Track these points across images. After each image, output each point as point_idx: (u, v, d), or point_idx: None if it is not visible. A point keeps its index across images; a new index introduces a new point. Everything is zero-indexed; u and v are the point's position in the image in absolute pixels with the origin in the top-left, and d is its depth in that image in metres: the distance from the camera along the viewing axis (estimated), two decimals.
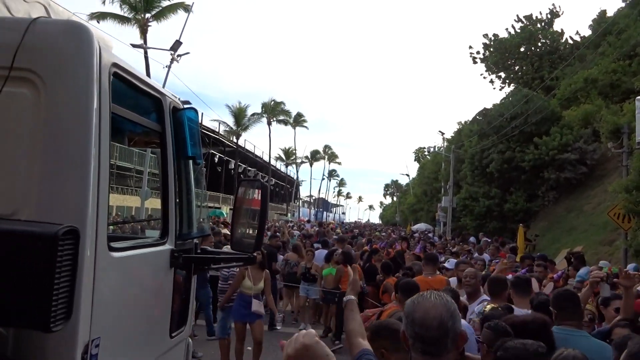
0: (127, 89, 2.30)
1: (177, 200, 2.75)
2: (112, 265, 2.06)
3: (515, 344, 2.22)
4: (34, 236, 1.61)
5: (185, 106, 2.92)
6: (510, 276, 5.76)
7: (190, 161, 2.89)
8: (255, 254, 7.67)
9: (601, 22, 29.70)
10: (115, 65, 2.10)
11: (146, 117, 2.57)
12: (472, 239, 22.13)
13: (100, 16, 24.86)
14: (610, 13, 30.99)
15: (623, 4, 29.70)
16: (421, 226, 36.31)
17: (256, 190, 2.88)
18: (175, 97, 2.82)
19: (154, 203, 15.35)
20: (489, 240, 19.26)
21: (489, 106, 30.37)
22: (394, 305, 5.14)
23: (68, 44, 1.91)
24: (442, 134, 38.20)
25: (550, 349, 2.38)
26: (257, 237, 2.77)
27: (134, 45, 21.49)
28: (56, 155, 1.86)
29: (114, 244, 2.12)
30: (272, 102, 53.00)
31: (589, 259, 11.44)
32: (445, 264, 8.31)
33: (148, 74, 23.47)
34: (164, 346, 2.68)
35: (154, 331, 2.57)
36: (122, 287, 2.19)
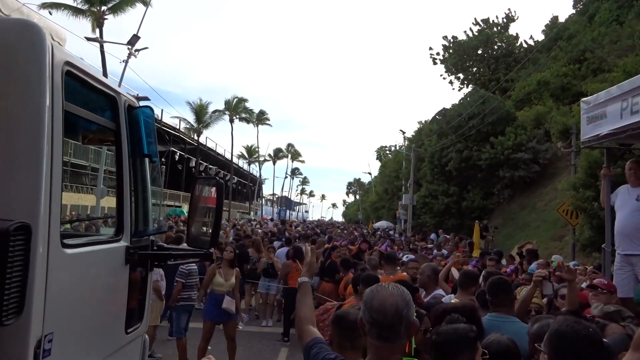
0: (81, 87, 2.31)
1: (133, 197, 2.77)
2: (65, 262, 2.08)
3: (448, 328, 2.37)
4: None
5: (141, 104, 2.94)
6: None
7: (146, 159, 2.92)
8: (230, 252, 7.66)
9: (553, 27, 30.96)
10: (68, 63, 2.11)
11: (101, 115, 2.58)
12: (432, 235, 22.61)
13: (52, 6, 23.89)
14: (562, 19, 32.39)
15: (573, 11, 31.11)
16: (383, 224, 36.77)
17: (212, 188, 2.92)
18: (131, 96, 2.84)
19: (111, 202, 14.96)
20: (448, 236, 19.81)
21: (449, 106, 31.17)
22: (353, 299, 5.28)
23: (19, 43, 1.92)
24: (403, 133, 38.96)
25: (478, 332, 2.56)
26: (212, 233, 2.82)
27: (88, 39, 20.72)
28: (8, 152, 1.87)
29: (68, 241, 2.14)
30: (235, 99, 52.48)
31: (540, 254, 11.92)
32: (404, 258, 8.50)
33: (104, 69, 22.81)
34: (120, 341, 2.71)
35: (109, 326, 2.59)
36: (75, 283, 2.21)
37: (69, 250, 2.10)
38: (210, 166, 49.24)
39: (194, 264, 7.43)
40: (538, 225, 18.65)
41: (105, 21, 24.91)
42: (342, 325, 2.49)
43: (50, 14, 22.99)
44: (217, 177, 3.10)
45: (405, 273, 6.54)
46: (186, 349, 7.12)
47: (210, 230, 2.85)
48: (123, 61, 19.49)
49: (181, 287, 7.24)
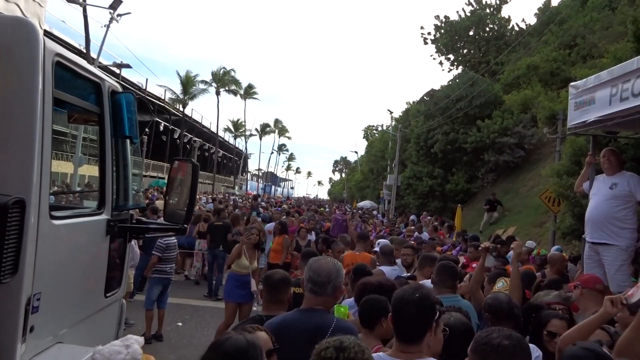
0: (69, 75, 2.55)
1: (114, 175, 3.04)
2: (53, 232, 2.35)
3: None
4: None
5: (123, 90, 3.18)
6: None
7: (127, 140, 3.17)
8: (254, 235, 7.70)
9: (546, 10, 30.76)
10: (58, 55, 2.36)
11: (86, 99, 2.83)
12: (412, 217, 22.74)
13: None
14: (554, 3, 32.25)
15: None
16: (366, 203, 36.92)
17: (188, 168, 3.18)
18: (114, 81, 3.08)
19: (89, 170, 14.77)
20: (430, 218, 20.03)
21: (438, 87, 31.09)
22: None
23: (16, 38, 2.16)
24: (391, 112, 38.98)
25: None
26: (187, 210, 3.11)
27: (69, 0, 20.32)
28: (4, 134, 2.12)
29: (55, 213, 2.41)
30: (222, 71, 51.63)
31: (521, 239, 12.01)
32: (376, 247, 7.04)
33: (87, 33, 22.17)
34: (100, 304, 3.02)
35: (90, 290, 2.89)
36: (61, 250, 2.49)
37: (56, 222, 2.38)
38: (195, 139, 48.80)
39: (173, 239, 7.52)
40: (520, 210, 18.62)
41: None
42: (268, 283, 3.08)
43: None
44: (192, 159, 3.35)
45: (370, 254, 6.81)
46: (153, 321, 7.20)
47: (186, 207, 3.13)
48: (104, 26, 19.10)
49: (156, 260, 7.33)
